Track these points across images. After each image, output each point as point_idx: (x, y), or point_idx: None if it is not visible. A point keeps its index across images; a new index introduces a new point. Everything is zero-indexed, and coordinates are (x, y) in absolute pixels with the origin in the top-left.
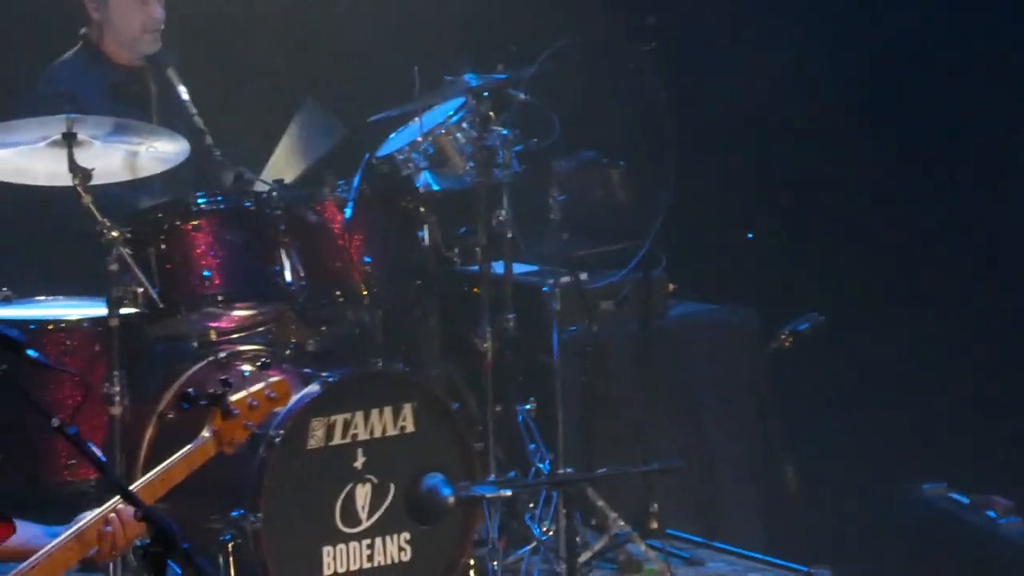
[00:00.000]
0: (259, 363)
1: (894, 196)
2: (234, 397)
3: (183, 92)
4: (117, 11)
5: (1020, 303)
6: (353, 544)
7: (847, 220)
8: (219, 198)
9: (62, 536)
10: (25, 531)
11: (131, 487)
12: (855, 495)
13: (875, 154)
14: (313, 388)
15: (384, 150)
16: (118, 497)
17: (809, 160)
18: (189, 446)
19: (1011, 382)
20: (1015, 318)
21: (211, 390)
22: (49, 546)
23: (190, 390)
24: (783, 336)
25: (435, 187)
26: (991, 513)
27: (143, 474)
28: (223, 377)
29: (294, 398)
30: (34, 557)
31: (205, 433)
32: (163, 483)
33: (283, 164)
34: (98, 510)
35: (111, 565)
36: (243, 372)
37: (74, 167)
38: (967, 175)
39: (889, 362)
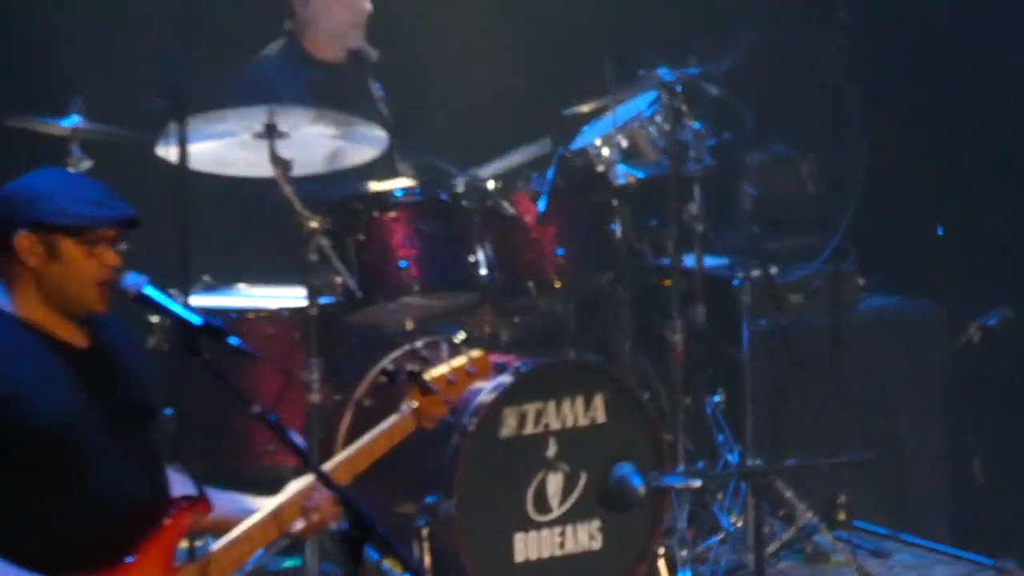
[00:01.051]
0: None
1: None
2: (433, 373)
3: (378, 87)
4: (324, 6)
5: None
6: (545, 531)
7: None
8: (416, 190)
9: (262, 512)
10: (221, 504)
11: (332, 461)
12: None
13: None
14: (506, 378)
15: (578, 144)
16: (315, 479)
17: (1001, 153)
18: (389, 420)
19: None
20: None
21: (410, 367)
22: (250, 522)
23: (390, 366)
24: (972, 330)
25: (630, 178)
26: None
27: None
28: (423, 355)
29: (487, 387)
30: (234, 533)
31: (404, 408)
32: (362, 459)
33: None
34: (297, 489)
35: (308, 548)
36: (443, 347)
37: (275, 158)
38: None
39: None
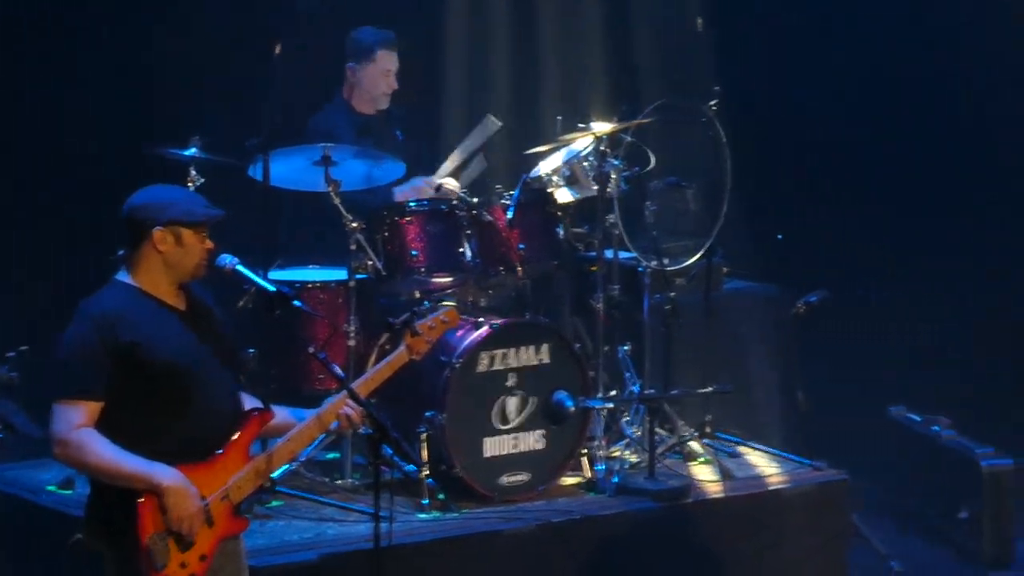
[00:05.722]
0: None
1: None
2: (419, 322)
3: (399, 134)
4: (367, 79)
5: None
6: (505, 437)
7: (853, 223)
8: (424, 203)
9: (309, 418)
10: (280, 414)
11: (357, 380)
12: (845, 413)
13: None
14: (483, 331)
15: (535, 173)
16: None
17: (824, 180)
18: (391, 355)
19: (945, 331)
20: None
21: (403, 317)
22: (300, 425)
23: (391, 319)
24: (800, 305)
25: (571, 198)
26: (936, 428)
27: None
28: (418, 313)
29: (469, 337)
30: (289, 432)
31: (401, 346)
32: (376, 380)
33: (456, 163)
34: (334, 402)
35: (344, 445)
36: (425, 304)
37: (328, 179)
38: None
39: (872, 321)
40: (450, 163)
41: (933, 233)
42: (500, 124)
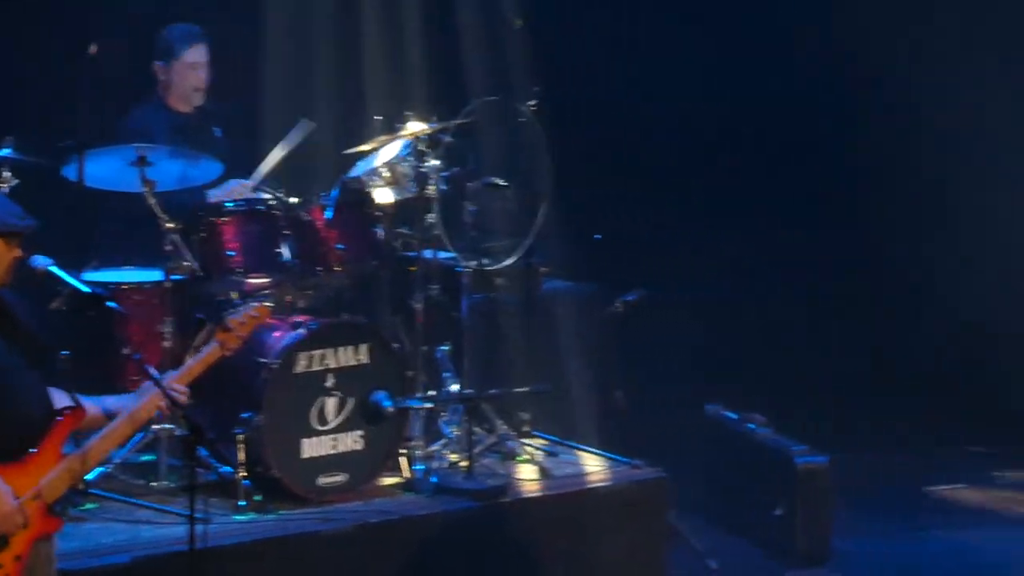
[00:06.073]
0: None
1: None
2: (230, 317)
3: (218, 131)
4: (176, 75)
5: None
6: (324, 437)
7: (670, 223)
8: (242, 203)
9: (121, 417)
10: (91, 408)
11: (168, 376)
12: (663, 411)
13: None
14: (301, 331)
15: (353, 173)
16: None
17: (642, 180)
18: (204, 350)
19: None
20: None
21: (214, 312)
22: (113, 424)
23: (199, 314)
24: (618, 304)
25: (390, 198)
26: (752, 426)
27: None
28: (230, 310)
29: (287, 337)
30: (103, 430)
31: (213, 343)
32: (188, 376)
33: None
34: (147, 398)
35: (160, 447)
36: (236, 302)
37: (143, 180)
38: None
39: (689, 320)
40: (266, 167)
41: (748, 232)
42: (314, 125)
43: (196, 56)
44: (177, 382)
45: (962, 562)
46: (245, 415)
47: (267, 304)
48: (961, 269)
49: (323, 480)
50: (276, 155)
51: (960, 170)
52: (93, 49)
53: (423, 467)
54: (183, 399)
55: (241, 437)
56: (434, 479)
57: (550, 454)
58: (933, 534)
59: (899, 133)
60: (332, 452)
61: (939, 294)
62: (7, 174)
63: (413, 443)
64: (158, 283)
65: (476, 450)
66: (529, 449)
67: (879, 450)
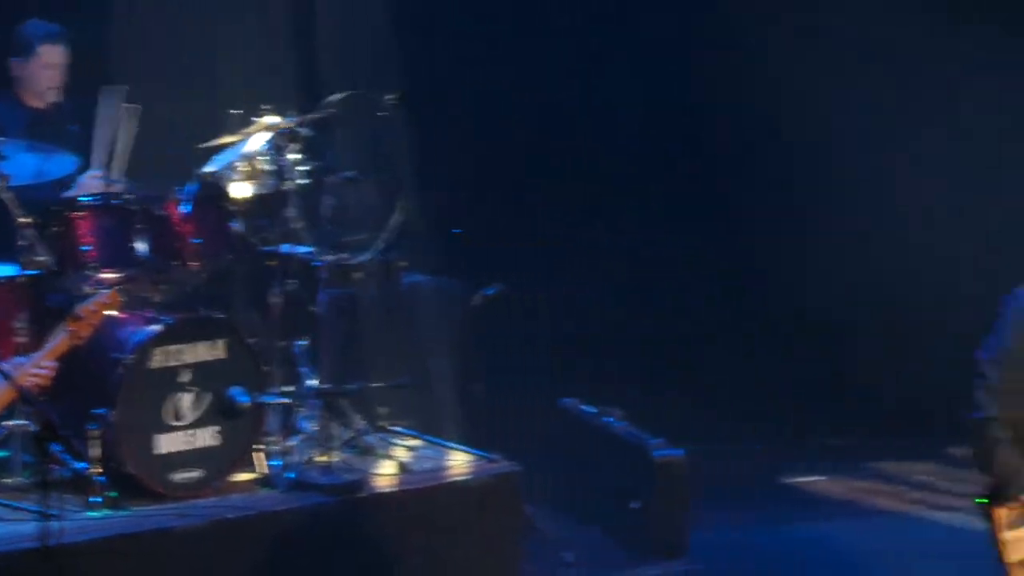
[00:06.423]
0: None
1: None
2: (80, 307)
3: (74, 128)
4: (31, 74)
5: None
6: (179, 433)
7: (529, 217)
8: (97, 198)
9: None
10: None
11: (18, 364)
12: (521, 405)
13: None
14: (156, 327)
15: (210, 167)
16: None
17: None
18: (53, 340)
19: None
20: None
21: (63, 302)
22: None
23: (48, 304)
24: (477, 298)
25: (248, 192)
26: (609, 419)
27: None
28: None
29: (141, 332)
30: None
31: (63, 332)
32: (38, 364)
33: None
34: None
35: (13, 444)
36: (87, 293)
37: None
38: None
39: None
40: (98, 154)
41: (611, 227)
42: (124, 88)
43: (53, 56)
44: (29, 370)
45: (821, 552)
46: (99, 411)
47: (116, 290)
48: (832, 266)
49: (178, 476)
50: (101, 139)
51: (807, 170)
52: None
53: (280, 463)
54: (45, 381)
55: (95, 433)
56: (291, 475)
57: (409, 449)
58: (792, 525)
59: (758, 136)
60: (188, 448)
61: (797, 289)
62: None
63: (270, 439)
64: (12, 278)
65: (333, 445)
66: (387, 444)
67: (738, 443)
